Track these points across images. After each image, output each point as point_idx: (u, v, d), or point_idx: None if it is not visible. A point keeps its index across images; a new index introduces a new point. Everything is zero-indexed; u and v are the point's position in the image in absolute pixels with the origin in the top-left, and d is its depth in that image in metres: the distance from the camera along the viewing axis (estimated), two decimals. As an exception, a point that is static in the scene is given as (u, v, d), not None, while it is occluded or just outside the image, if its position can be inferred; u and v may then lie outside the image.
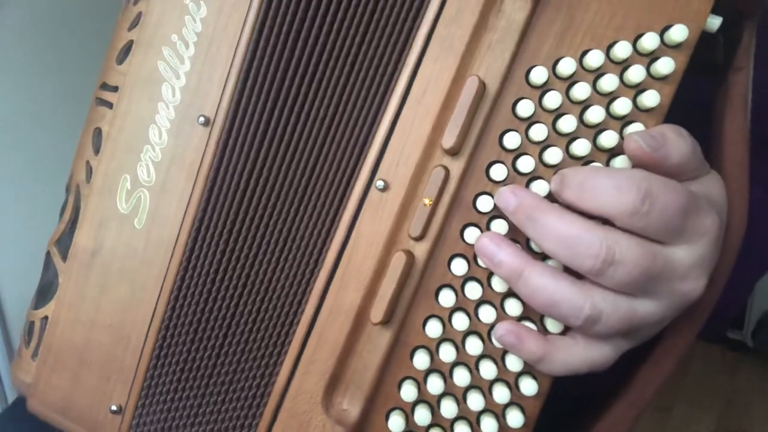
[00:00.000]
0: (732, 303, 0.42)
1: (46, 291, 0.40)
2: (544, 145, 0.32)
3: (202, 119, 0.35)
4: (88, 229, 0.38)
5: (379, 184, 0.33)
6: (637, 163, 0.28)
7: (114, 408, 0.39)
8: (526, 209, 0.28)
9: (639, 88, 0.31)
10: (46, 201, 0.76)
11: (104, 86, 0.38)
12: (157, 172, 0.36)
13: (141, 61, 0.37)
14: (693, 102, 0.34)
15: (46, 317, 0.40)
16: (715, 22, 0.31)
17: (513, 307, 0.31)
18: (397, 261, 0.32)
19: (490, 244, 0.29)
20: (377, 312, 0.32)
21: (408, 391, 0.33)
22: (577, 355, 0.28)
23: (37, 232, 0.53)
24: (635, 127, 0.30)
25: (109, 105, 0.37)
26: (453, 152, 0.31)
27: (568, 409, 0.38)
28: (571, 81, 0.31)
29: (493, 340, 0.31)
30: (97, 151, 0.37)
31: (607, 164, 0.30)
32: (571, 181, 0.27)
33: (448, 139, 0.31)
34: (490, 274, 0.32)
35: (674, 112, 0.39)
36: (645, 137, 0.27)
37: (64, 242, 0.39)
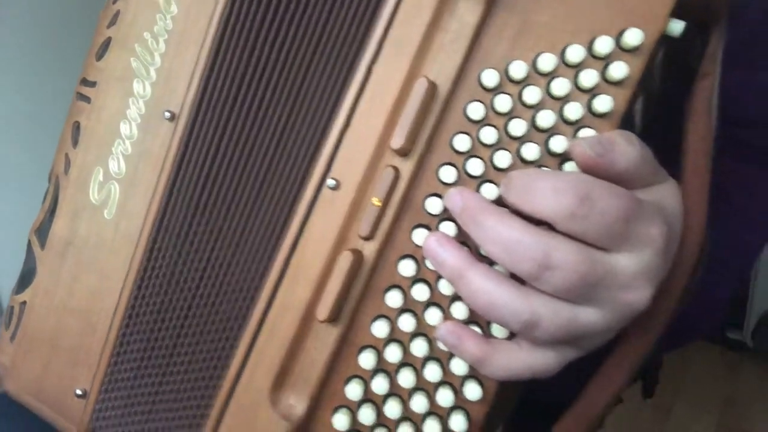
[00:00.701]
0: (702, 319, 0.41)
1: (26, 277, 0.42)
2: (495, 149, 0.31)
3: (167, 114, 0.36)
4: (63, 219, 0.40)
5: (331, 182, 0.32)
6: (583, 168, 0.27)
7: (79, 392, 0.39)
8: (470, 211, 0.27)
9: (593, 93, 0.29)
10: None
11: (84, 81, 0.40)
12: (127, 165, 0.37)
13: (116, 57, 0.38)
14: (678, 110, 0.33)
15: (24, 302, 0.41)
16: (677, 27, 0.30)
17: (459, 310, 0.30)
18: (344, 260, 0.31)
19: (435, 243, 0.28)
20: (323, 310, 0.31)
21: (354, 390, 0.32)
22: (519, 359, 0.28)
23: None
24: (586, 133, 0.29)
25: (88, 100, 0.39)
26: (403, 153, 0.31)
27: (540, 416, 0.38)
28: (523, 84, 0.30)
29: (439, 343, 0.30)
30: (75, 143, 0.39)
31: (559, 169, 0.29)
32: (515, 182, 0.27)
33: (397, 140, 0.30)
34: (439, 276, 0.31)
35: (659, 120, 0.36)
36: (591, 142, 0.27)
37: (43, 231, 0.41)
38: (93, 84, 0.39)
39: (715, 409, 1.40)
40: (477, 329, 0.30)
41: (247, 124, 0.35)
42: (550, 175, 0.27)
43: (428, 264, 0.31)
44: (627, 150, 0.27)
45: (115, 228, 0.38)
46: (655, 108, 0.39)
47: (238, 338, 0.36)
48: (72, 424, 0.40)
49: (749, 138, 0.43)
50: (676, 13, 0.30)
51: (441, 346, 0.30)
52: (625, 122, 0.32)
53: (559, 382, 0.32)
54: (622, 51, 0.29)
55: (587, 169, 0.27)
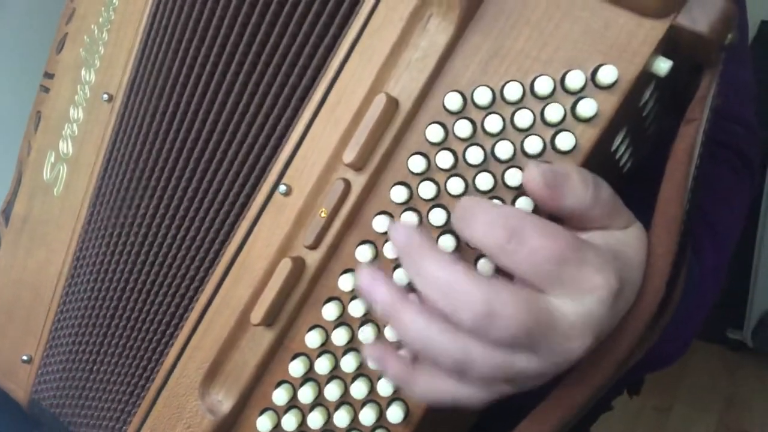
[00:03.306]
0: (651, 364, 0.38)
1: (-8, 254, 0.42)
2: (450, 174, 0.27)
3: (105, 96, 0.38)
4: (22, 199, 0.42)
5: (282, 188, 0.30)
6: (530, 194, 0.26)
7: (25, 357, 0.42)
8: (409, 250, 0.26)
9: (558, 128, 0.26)
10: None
11: (46, 74, 0.43)
12: (74, 146, 0.40)
13: (70, 49, 0.40)
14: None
15: (-13, 277, 0.41)
16: (663, 66, 0.26)
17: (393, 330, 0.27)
18: (283, 267, 0.29)
19: (367, 279, 0.27)
20: (257, 314, 0.30)
21: (281, 395, 0.30)
22: (442, 389, 0.27)
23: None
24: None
25: (47, 90, 0.42)
26: (356, 167, 0.28)
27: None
28: (487, 111, 0.26)
29: (370, 363, 0.28)
30: (35, 130, 0.43)
31: (513, 202, 0.27)
32: (459, 208, 0.26)
33: (349, 154, 0.28)
34: None
35: (654, 154, 0.31)
36: (544, 170, 0.25)
37: (8, 211, 0.44)
38: (52, 76, 0.42)
39: (715, 409, 1.34)
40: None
41: (180, 108, 0.35)
42: (488, 206, 0.25)
43: None
44: (578, 188, 0.25)
45: (61, 204, 0.40)
46: (647, 146, 0.33)
47: (177, 327, 0.35)
48: (18, 387, 0.42)
49: (727, 139, 0.40)
50: (666, 52, 0.26)
51: (371, 364, 0.28)
52: (604, 160, 0.27)
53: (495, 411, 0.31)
54: (595, 87, 0.25)
55: (534, 197, 0.26)
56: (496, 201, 0.26)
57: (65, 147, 0.41)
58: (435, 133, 0.27)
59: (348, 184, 0.27)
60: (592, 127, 0.25)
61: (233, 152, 0.33)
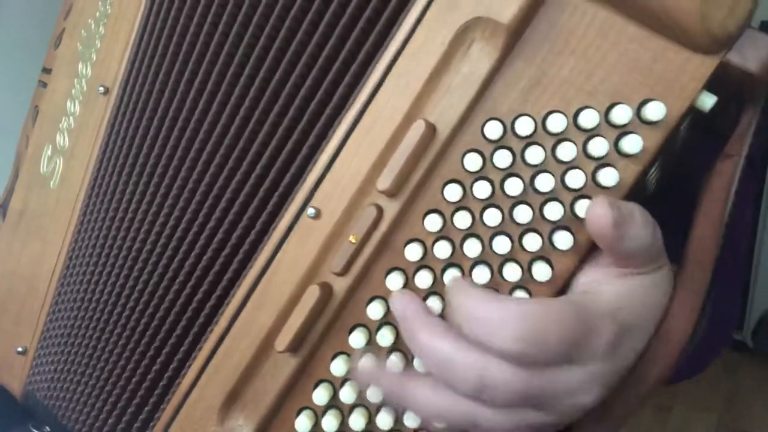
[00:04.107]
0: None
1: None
2: (487, 204, 0.26)
3: (101, 89, 0.38)
4: (19, 193, 0.42)
5: (311, 211, 0.29)
6: (593, 231, 0.24)
7: (20, 349, 0.42)
8: (406, 323, 0.26)
9: (600, 162, 0.25)
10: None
11: (44, 70, 0.42)
12: (70, 139, 0.40)
13: (67, 44, 0.40)
14: (698, 164, 0.28)
15: (-18, 271, 0.41)
16: (708, 101, 0.25)
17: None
18: (310, 295, 0.28)
19: (368, 373, 0.27)
20: (282, 341, 0.29)
21: (303, 423, 0.30)
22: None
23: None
24: (584, 204, 0.25)
25: (45, 85, 0.42)
26: (389, 194, 0.27)
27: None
28: (528, 141, 0.25)
29: None
30: (33, 124, 0.42)
31: (550, 236, 0.26)
32: (456, 304, 0.25)
33: (383, 182, 0.27)
34: None
35: (676, 171, 0.30)
36: (614, 207, 0.24)
37: (5, 205, 0.43)
38: (50, 71, 0.41)
39: (715, 409, 1.35)
40: None
41: (174, 102, 0.35)
42: (494, 301, 0.25)
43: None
44: (640, 231, 0.24)
45: (57, 197, 0.40)
46: (672, 167, 0.32)
47: (194, 347, 0.34)
48: (14, 379, 0.42)
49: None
50: (710, 87, 0.25)
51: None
52: (636, 191, 0.27)
53: None
54: (640, 122, 0.24)
55: (595, 235, 0.25)
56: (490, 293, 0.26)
57: (62, 140, 0.41)
58: (473, 161, 0.26)
59: (380, 211, 0.27)
60: (635, 163, 0.25)
61: (236, 158, 0.33)
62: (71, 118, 0.41)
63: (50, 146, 0.41)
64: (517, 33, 0.25)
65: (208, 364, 0.31)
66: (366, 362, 0.27)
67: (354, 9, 0.28)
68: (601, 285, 0.26)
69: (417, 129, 0.25)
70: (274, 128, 0.31)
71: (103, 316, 0.37)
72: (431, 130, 0.26)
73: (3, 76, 0.71)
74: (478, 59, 0.25)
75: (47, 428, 0.43)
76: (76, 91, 0.40)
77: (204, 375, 0.31)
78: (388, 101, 0.27)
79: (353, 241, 0.27)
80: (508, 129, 0.25)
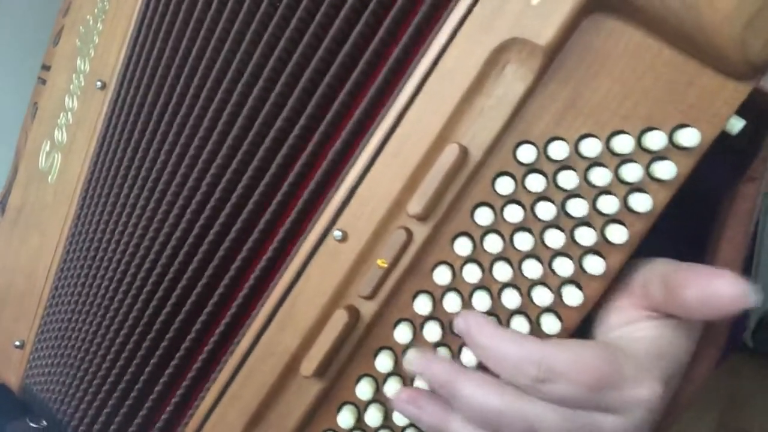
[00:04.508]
0: None
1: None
2: (517, 228, 0.26)
3: (99, 83, 0.38)
4: (18, 189, 0.42)
5: (337, 234, 0.29)
6: (709, 315, 0.24)
7: (17, 343, 0.42)
8: (469, 337, 0.26)
9: (632, 188, 0.25)
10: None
11: (43, 67, 0.43)
12: (68, 134, 0.40)
13: (66, 41, 0.41)
14: (711, 177, 0.28)
15: (-19, 266, 0.41)
16: (737, 125, 0.25)
17: None
18: (338, 319, 0.28)
19: (419, 361, 0.27)
20: (309, 366, 0.29)
21: None
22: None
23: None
24: (617, 229, 0.25)
25: (44, 82, 0.42)
26: (419, 217, 0.27)
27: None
28: (560, 165, 0.25)
29: None
30: (32, 121, 0.42)
31: (580, 260, 0.26)
32: (478, 339, 0.25)
33: (415, 206, 0.26)
34: (435, 345, 0.28)
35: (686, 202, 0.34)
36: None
37: (4, 202, 0.44)
38: (49, 68, 0.41)
39: (716, 409, 1.33)
40: None
41: (174, 97, 0.35)
42: (513, 339, 0.25)
43: (425, 331, 0.28)
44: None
45: (55, 190, 0.40)
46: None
47: (216, 367, 0.33)
48: (11, 373, 0.42)
49: None
50: (739, 111, 0.25)
51: None
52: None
53: None
54: (674, 147, 0.24)
55: (714, 317, 0.24)
56: (517, 324, 0.26)
57: (60, 135, 0.41)
58: (505, 185, 0.25)
59: (410, 234, 0.26)
60: (667, 189, 0.25)
61: (241, 161, 0.32)
62: (69, 113, 0.41)
63: (49, 142, 0.42)
64: (553, 55, 0.24)
65: (228, 387, 0.30)
66: (415, 352, 0.27)
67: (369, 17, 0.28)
68: (638, 331, 0.25)
69: (450, 153, 0.25)
70: (284, 134, 0.30)
71: (99, 310, 0.37)
72: (464, 153, 0.25)
73: (3, 75, 0.68)
74: (513, 81, 0.24)
75: (44, 422, 0.43)
76: (74, 86, 0.41)
77: (224, 398, 0.30)
78: (419, 122, 0.26)
79: (382, 265, 0.26)
80: (541, 152, 0.25)
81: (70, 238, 0.40)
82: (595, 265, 0.24)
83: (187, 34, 0.34)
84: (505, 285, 0.26)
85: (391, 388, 0.27)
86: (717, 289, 0.22)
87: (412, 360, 0.26)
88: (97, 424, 0.36)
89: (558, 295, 0.25)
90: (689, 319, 0.24)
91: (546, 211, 0.25)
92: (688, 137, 0.23)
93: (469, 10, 0.25)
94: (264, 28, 0.30)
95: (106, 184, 0.37)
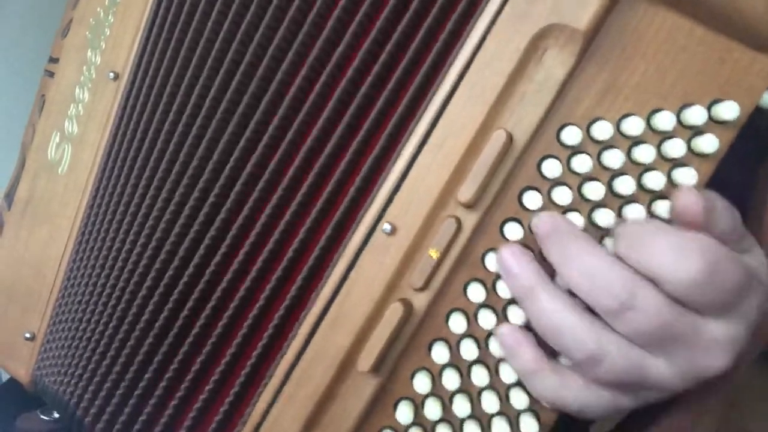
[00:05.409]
0: None
1: (-4, 239, 0.40)
2: (566, 209, 0.26)
3: (111, 75, 0.39)
4: (25, 181, 0.42)
5: (386, 227, 0.28)
6: (686, 219, 0.24)
7: (28, 335, 0.41)
8: (557, 235, 0.25)
9: (675, 163, 0.25)
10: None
11: (51, 59, 0.42)
12: (78, 125, 0.40)
13: (75, 33, 0.41)
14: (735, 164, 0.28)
15: (-11, 259, 0.40)
16: None
17: (508, 372, 0.28)
18: (393, 313, 0.28)
19: (509, 255, 0.26)
20: (365, 362, 0.28)
21: None
22: (571, 388, 0.26)
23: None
24: (664, 204, 0.26)
25: (52, 75, 0.42)
26: (469, 205, 0.27)
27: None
28: (604, 145, 0.26)
29: (483, 405, 0.28)
30: (39, 114, 0.42)
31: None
32: (630, 231, 0.24)
33: (466, 193, 0.27)
34: (488, 334, 0.28)
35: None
36: (699, 194, 0.24)
37: (11, 195, 0.44)
38: (57, 60, 0.41)
39: (716, 409, 1.48)
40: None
41: (182, 88, 0.35)
42: (672, 232, 0.24)
43: (479, 320, 0.28)
44: (725, 213, 0.25)
45: (65, 182, 0.40)
46: None
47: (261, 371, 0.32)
48: (21, 365, 0.42)
49: None
50: None
51: (484, 407, 0.28)
52: None
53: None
54: (713, 122, 0.25)
55: (691, 221, 0.24)
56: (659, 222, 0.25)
57: (70, 127, 0.41)
58: (551, 168, 0.26)
59: (459, 223, 0.26)
60: (708, 162, 0.25)
61: (261, 156, 0.32)
62: (80, 105, 0.41)
63: (59, 133, 0.42)
64: (591, 38, 0.25)
65: (280, 392, 0.29)
66: (514, 245, 0.27)
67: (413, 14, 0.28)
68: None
69: (498, 139, 0.25)
70: (325, 133, 0.31)
71: (111, 301, 0.37)
72: (509, 138, 0.25)
73: (3, 75, 0.67)
74: (553, 66, 0.25)
75: (56, 414, 0.43)
76: (85, 78, 0.41)
77: (277, 404, 0.29)
78: (462, 111, 0.26)
79: (434, 255, 0.26)
80: (585, 134, 0.25)
81: (83, 228, 0.39)
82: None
83: (208, 26, 0.34)
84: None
85: (450, 380, 0.27)
86: (681, 204, 0.24)
87: (505, 250, 0.27)
88: (111, 414, 0.36)
89: None
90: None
91: (593, 191, 0.25)
92: (728, 110, 0.24)
93: (506, 1, 0.25)
94: (279, 20, 0.31)
95: (121, 174, 0.37)
